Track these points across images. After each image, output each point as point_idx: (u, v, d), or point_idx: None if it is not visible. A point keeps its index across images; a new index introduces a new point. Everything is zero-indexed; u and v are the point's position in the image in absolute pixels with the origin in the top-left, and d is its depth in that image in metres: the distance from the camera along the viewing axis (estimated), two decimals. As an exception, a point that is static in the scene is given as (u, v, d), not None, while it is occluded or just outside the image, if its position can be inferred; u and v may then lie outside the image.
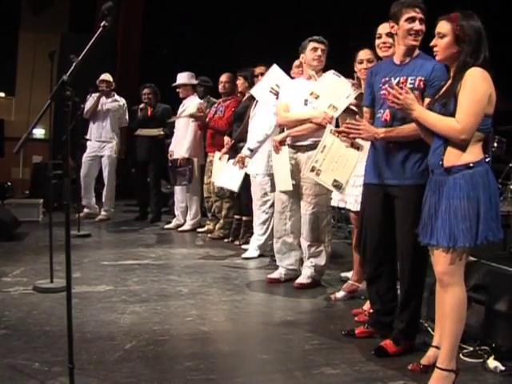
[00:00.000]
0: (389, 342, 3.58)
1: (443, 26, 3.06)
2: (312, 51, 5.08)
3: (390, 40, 3.97)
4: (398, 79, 3.55)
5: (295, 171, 5.08)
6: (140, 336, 3.73)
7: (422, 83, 3.46)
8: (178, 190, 8.16)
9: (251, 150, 6.04)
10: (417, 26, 3.52)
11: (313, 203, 5.01)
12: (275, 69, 5.66)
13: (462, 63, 3.00)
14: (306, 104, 5.02)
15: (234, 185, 6.28)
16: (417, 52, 3.60)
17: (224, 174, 6.46)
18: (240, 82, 7.07)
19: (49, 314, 4.10)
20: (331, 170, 4.14)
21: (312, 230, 5.03)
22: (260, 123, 6.10)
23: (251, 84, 6.69)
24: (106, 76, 8.81)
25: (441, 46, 3.07)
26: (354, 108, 4.32)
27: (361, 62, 4.45)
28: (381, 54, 4.10)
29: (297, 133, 5.05)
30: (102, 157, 8.84)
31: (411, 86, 3.46)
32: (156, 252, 6.51)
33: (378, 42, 4.10)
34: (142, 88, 8.85)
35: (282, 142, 5.14)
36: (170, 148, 8.19)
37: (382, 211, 3.67)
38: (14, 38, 11.54)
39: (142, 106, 8.71)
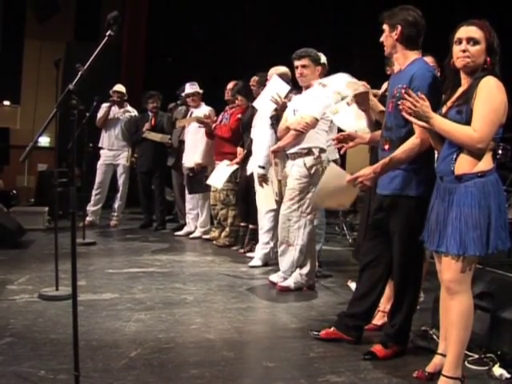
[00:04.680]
0: (378, 347, 3.64)
1: (476, 32, 2.98)
2: (296, 69, 5.17)
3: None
4: (393, 90, 3.56)
5: (286, 177, 5.30)
6: (145, 344, 3.73)
7: (405, 91, 3.37)
8: (188, 197, 8.15)
9: (263, 167, 6.05)
10: (382, 38, 3.59)
11: (287, 205, 5.15)
12: (275, 79, 5.67)
13: (487, 73, 2.96)
14: (294, 114, 5.20)
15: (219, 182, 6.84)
16: (412, 58, 3.53)
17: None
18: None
19: (54, 322, 4.11)
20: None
21: (282, 229, 5.20)
22: (261, 136, 6.15)
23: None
24: (119, 87, 8.95)
25: (475, 53, 2.97)
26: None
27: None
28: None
29: (283, 142, 5.23)
30: (116, 165, 9.00)
31: (398, 94, 3.43)
32: (161, 260, 6.51)
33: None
34: (147, 96, 8.85)
35: (275, 153, 5.45)
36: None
37: (376, 220, 3.76)
38: (19, 46, 11.56)
39: (147, 127, 8.74)
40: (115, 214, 9.08)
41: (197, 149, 7.79)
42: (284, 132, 5.25)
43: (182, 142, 8.32)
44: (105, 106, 8.78)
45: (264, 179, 6.06)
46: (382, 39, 3.59)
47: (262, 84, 6.30)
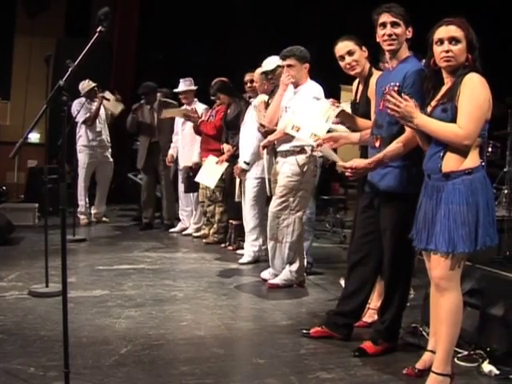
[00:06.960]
0: (368, 343, 3.64)
1: (456, 31, 2.97)
2: (283, 69, 5.19)
3: (354, 57, 4.02)
4: (385, 87, 3.50)
5: (276, 174, 5.33)
6: (135, 340, 3.73)
7: (397, 89, 3.36)
8: (182, 195, 8.15)
9: (248, 164, 6.09)
10: (387, 30, 3.45)
11: (277, 202, 5.16)
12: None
13: (469, 70, 2.97)
14: (286, 111, 5.20)
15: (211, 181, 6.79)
16: (405, 55, 3.52)
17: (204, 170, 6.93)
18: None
19: (44, 319, 4.10)
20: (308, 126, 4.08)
21: (271, 227, 5.22)
22: (249, 133, 6.14)
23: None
24: (92, 82, 8.50)
25: (457, 52, 2.97)
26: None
27: (341, 59, 4.09)
28: (351, 73, 4.11)
29: (274, 136, 5.29)
30: (105, 161, 8.91)
31: None
32: (151, 256, 6.51)
33: (342, 64, 4.09)
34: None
35: (265, 147, 5.52)
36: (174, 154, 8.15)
37: (365, 218, 3.77)
38: (10, 41, 11.49)
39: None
40: (99, 207, 9.04)
41: (194, 147, 7.74)
42: (272, 117, 5.32)
43: (153, 144, 8.30)
44: (83, 102, 8.50)
45: (242, 174, 6.16)
46: (397, 32, 3.45)
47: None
